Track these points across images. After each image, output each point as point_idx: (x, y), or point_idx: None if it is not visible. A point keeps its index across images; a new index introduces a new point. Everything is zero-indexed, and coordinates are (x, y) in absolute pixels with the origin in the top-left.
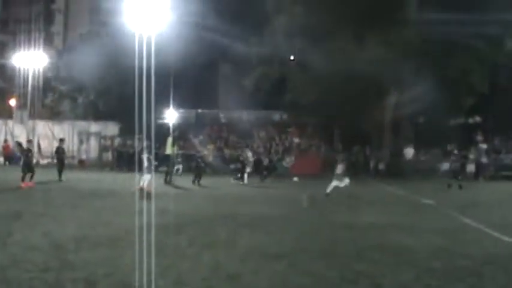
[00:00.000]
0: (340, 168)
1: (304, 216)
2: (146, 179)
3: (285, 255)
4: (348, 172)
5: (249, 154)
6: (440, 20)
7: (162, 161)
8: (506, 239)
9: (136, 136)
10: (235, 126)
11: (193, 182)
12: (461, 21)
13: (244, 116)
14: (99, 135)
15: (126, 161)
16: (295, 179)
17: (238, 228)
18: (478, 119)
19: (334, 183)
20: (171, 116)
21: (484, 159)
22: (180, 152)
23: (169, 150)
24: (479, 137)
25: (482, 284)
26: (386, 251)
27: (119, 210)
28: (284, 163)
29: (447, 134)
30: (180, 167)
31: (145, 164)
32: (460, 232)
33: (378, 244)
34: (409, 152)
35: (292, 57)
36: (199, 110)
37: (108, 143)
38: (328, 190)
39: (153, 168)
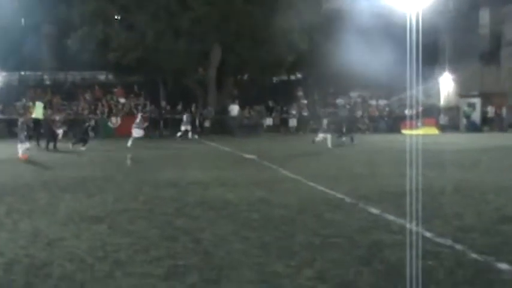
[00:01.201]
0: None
1: (128, 177)
2: None
3: (105, 217)
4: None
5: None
6: None
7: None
8: (319, 187)
9: None
10: (60, 88)
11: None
12: None
13: (70, 77)
14: None
15: None
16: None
17: (60, 193)
18: (299, 75)
19: None
20: None
21: (305, 114)
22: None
23: (40, 115)
24: (300, 93)
25: (295, 231)
26: (207, 206)
27: None
28: (110, 124)
29: (270, 90)
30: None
31: None
32: (279, 183)
33: (199, 200)
34: (234, 109)
35: (117, 17)
36: (22, 73)
37: None
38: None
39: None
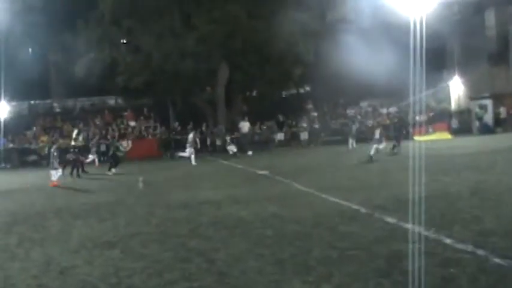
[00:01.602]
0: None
1: (139, 200)
2: None
3: (118, 242)
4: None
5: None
6: None
7: None
8: (332, 199)
9: None
10: (69, 115)
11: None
12: None
13: (79, 103)
14: None
15: None
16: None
17: (71, 220)
18: (307, 88)
19: None
20: (3, 109)
21: (316, 126)
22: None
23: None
24: (310, 106)
25: (310, 245)
26: (220, 225)
27: None
28: (121, 148)
29: (280, 105)
30: None
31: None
32: (292, 198)
33: (212, 220)
34: (244, 125)
35: (124, 41)
36: (32, 102)
37: None
38: None
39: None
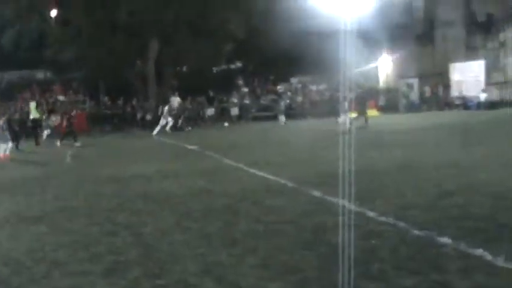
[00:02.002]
0: None
1: (68, 174)
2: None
3: (44, 217)
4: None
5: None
6: None
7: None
8: (260, 174)
9: None
10: None
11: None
12: None
13: (5, 76)
14: None
15: None
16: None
17: None
18: (238, 64)
19: None
20: None
21: (246, 102)
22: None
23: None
24: (240, 81)
25: (237, 219)
26: (148, 199)
27: None
28: (50, 122)
29: (211, 80)
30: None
31: None
32: (221, 173)
33: (141, 193)
34: (175, 101)
35: (53, 12)
36: None
37: None
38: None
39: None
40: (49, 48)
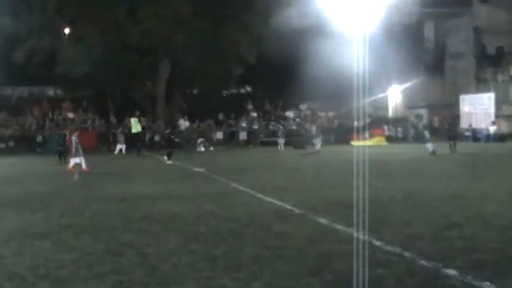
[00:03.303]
0: None
1: (74, 192)
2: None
3: (50, 233)
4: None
5: None
6: None
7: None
8: (267, 199)
9: None
10: (5, 103)
11: None
12: None
13: (16, 92)
14: None
15: None
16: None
17: (3, 210)
18: (248, 88)
19: None
20: None
21: (255, 127)
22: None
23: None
24: (250, 106)
25: (243, 243)
26: (154, 220)
27: None
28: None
29: (220, 104)
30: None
31: None
32: (228, 196)
33: (147, 214)
34: (183, 123)
35: (66, 30)
36: None
37: None
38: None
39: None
40: (60, 65)
